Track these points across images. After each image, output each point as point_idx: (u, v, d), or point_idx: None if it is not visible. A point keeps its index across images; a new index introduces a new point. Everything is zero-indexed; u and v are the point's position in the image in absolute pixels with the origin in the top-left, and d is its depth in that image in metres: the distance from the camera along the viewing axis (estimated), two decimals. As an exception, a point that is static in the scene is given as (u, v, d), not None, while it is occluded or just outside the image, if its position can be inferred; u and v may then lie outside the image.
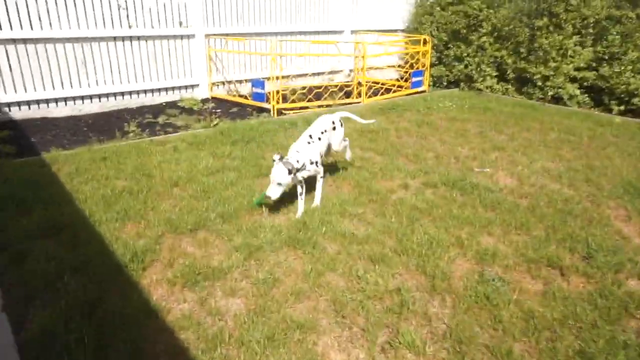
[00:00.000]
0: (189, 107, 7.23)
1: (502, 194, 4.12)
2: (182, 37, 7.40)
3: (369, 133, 5.91)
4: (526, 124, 6.52)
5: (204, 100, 7.68)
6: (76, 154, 4.79)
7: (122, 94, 7.05)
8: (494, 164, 4.87)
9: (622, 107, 7.54)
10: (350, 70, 9.92)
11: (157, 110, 7.00)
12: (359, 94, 7.71)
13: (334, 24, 9.32)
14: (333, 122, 3.98)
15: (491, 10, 8.60)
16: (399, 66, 9.57)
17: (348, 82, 8.62)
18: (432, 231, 3.38)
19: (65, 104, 6.60)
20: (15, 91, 6.16)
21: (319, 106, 7.19)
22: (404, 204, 3.81)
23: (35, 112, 6.37)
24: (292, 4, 8.59)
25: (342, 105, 7.40)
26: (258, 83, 6.84)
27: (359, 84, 7.66)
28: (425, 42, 8.71)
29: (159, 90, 7.40)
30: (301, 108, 7.02)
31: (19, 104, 6.25)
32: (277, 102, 6.74)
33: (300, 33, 8.91)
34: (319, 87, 7.68)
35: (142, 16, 6.88)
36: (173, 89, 7.56)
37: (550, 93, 8.10)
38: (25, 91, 6.22)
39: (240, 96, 7.58)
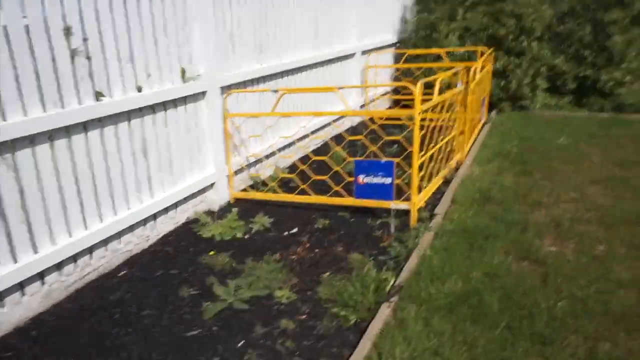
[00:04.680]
0: (227, 237, 3.64)
1: None
2: (186, 100, 3.75)
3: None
4: None
5: (227, 209, 4.11)
6: None
7: (91, 250, 3.14)
8: None
9: None
10: (361, 107, 7.15)
11: (179, 267, 3.28)
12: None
13: (347, 46, 6.43)
14: None
15: (544, 6, 6.78)
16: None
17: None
18: None
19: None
20: None
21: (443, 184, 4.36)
22: None
23: None
24: (309, 26, 5.45)
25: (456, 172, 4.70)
26: (380, 166, 3.65)
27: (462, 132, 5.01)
28: (482, 55, 6.49)
29: (154, 216, 3.62)
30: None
31: None
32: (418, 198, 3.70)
33: (320, 63, 5.82)
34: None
35: (118, 74, 3.12)
36: (176, 205, 3.84)
37: (630, 101, 6.68)
38: None
39: (281, 187, 4.23)
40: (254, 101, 4.62)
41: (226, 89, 4.16)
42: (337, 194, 3.98)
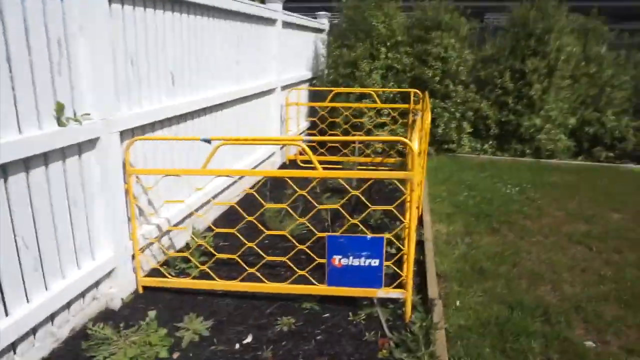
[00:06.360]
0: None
1: None
2: (64, 152, 2.36)
3: None
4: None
5: (135, 307, 2.76)
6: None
7: None
8: None
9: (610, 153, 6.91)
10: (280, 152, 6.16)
11: None
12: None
13: (267, 80, 5.43)
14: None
15: (466, 51, 6.63)
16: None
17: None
18: None
19: None
20: None
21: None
22: None
23: None
24: (231, 53, 4.32)
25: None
26: (364, 244, 2.64)
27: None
28: (418, 99, 6.01)
29: (12, 345, 2.12)
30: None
31: None
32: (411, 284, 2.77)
33: (241, 100, 4.70)
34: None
35: None
36: (52, 317, 2.37)
37: (549, 147, 6.77)
38: None
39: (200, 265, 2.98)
40: (164, 148, 3.35)
41: (128, 134, 2.86)
42: (284, 274, 2.88)
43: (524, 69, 6.54)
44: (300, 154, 6.62)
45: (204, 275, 2.98)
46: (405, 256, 2.78)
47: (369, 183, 2.91)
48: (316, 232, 2.86)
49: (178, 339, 2.51)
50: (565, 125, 6.91)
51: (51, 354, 2.34)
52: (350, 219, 2.80)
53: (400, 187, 2.98)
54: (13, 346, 2.12)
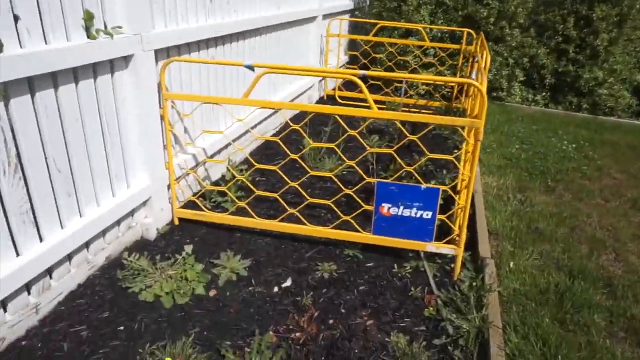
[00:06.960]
0: (183, 300, 2.19)
1: None
2: (95, 68, 2.13)
3: None
4: None
5: (170, 239, 2.64)
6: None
7: None
8: None
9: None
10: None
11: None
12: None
13: (308, 6, 5.00)
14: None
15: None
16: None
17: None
18: None
19: None
20: None
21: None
22: None
23: None
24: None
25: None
26: (418, 194, 2.41)
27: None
28: (471, 40, 5.49)
29: (48, 270, 2.02)
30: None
31: None
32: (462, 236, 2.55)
33: (280, 26, 4.33)
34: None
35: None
36: (87, 244, 2.25)
37: (609, 103, 6.23)
38: None
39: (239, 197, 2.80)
40: (202, 72, 3.08)
41: (163, 54, 2.60)
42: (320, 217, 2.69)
43: (591, 15, 5.86)
44: (339, 89, 6.26)
45: (240, 211, 2.82)
46: (459, 210, 2.55)
47: (428, 128, 2.61)
48: (365, 177, 2.62)
49: (214, 276, 2.40)
50: (630, 81, 6.31)
51: (87, 280, 2.26)
52: (404, 166, 2.55)
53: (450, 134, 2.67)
54: (49, 271, 2.02)
